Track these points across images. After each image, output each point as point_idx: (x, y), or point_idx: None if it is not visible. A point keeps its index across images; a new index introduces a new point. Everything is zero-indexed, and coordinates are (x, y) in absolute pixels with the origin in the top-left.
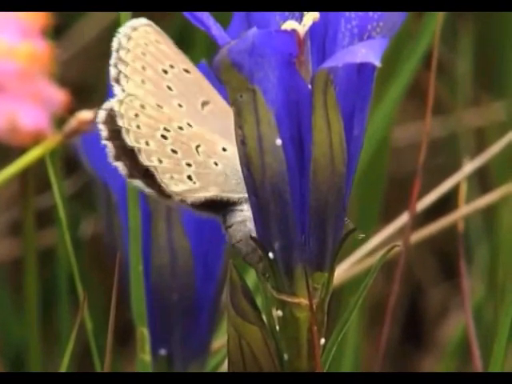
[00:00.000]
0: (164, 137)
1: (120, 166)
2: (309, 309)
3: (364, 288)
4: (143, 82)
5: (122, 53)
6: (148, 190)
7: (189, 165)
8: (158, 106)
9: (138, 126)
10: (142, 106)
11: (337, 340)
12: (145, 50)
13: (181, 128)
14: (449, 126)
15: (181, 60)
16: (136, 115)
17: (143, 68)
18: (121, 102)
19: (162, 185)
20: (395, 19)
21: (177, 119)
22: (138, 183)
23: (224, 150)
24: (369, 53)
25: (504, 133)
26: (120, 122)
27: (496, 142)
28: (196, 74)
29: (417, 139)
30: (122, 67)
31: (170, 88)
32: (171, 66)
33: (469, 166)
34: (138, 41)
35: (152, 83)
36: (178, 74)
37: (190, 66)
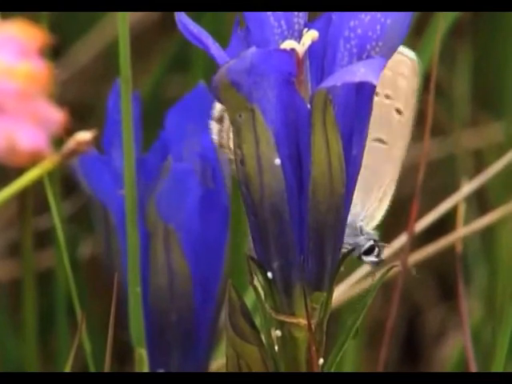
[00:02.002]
0: None
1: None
2: (307, 329)
3: (362, 308)
4: None
5: None
6: None
7: None
8: None
9: None
10: None
11: (335, 360)
12: None
13: None
14: (447, 147)
15: None
16: None
17: None
18: None
19: None
20: (394, 39)
21: None
22: None
23: None
24: (368, 72)
25: (502, 154)
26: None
27: (494, 162)
28: None
29: (415, 160)
30: None
31: None
32: None
33: (467, 187)
34: None
35: None
36: None
37: None
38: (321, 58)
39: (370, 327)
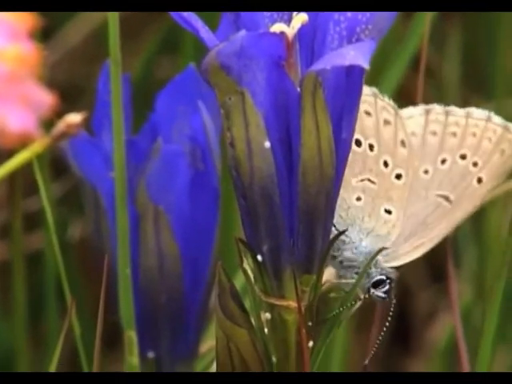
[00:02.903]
0: None
1: None
2: (297, 311)
3: (352, 290)
4: None
5: None
6: None
7: None
8: None
9: None
10: None
11: (325, 342)
12: None
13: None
14: None
15: None
16: None
17: None
18: None
19: None
20: (384, 22)
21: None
22: None
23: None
24: (358, 55)
25: None
26: None
27: None
28: None
29: None
30: None
31: None
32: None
33: None
34: None
35: None
36: None
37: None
38: (310, 41)
39: (360, 309)
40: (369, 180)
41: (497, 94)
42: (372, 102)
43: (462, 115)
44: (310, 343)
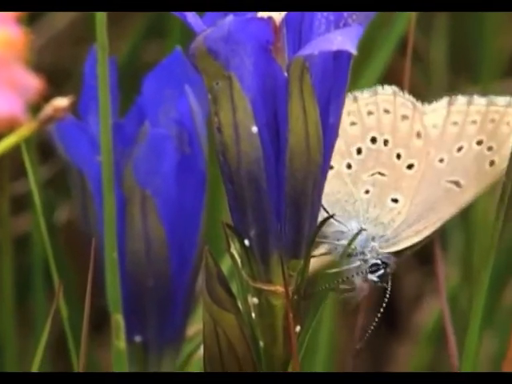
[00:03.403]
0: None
1: None
2: (285, 296)
3: (338, 274)
4: None
5: None
6: None
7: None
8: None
9: None
10: None
11: (311, 326)
12: None
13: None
14: None
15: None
16: None
17: None
18: None
19: None
20: None
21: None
22: None
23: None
24: (345, 40)
25: None
26: None
27: None
28: None
29: None
30: None
31: None
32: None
33: None
34: None
35: None
36: None
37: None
38: (298, 26)
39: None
40: (379, 173)
41: (484, 77)
42: (392, 100)
43: (484, 103)
44: (298, 328)
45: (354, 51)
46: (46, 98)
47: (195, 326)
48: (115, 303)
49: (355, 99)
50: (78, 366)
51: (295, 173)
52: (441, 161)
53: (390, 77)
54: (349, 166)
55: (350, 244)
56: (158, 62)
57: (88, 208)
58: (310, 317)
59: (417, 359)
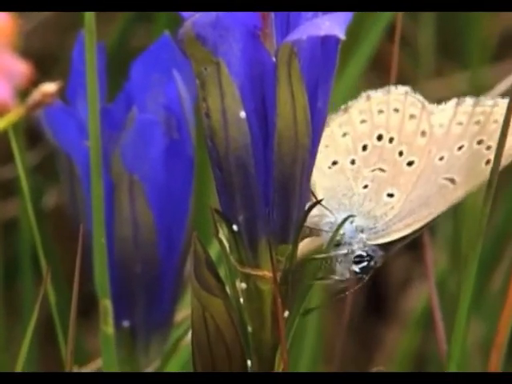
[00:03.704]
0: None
1: None
2: (273, 281)
3: (326, 259)
4: None
5: None
6: None
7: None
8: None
9: None
10: None
11: (299, 311)
12: None
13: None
14: None
15: None
16: None
17: None
18: None
19: None
20: None
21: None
22: None
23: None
24: (333, 26)
25: None
26: None
27: None
28: None
29: None
30: None
31: None
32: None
33: None
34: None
35: None
36: None
37: None
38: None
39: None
40: (380, 169)
41: (472, 62)
42: (402, 99)
43: (490, 104)
44: (286, 313)
45: (342, 36)
46: (34, 83)
47: (183, 312)
48: (103, 288)
49: (368, 98)
50: (66, 351)
51: (283, 157)
52: (441, 159)
53: (379, 61)
54: (352, 162)
55: (337, 230)
56: (146, 48)
57: (76, 193)
58: (298, 302)
59: (405, 344)
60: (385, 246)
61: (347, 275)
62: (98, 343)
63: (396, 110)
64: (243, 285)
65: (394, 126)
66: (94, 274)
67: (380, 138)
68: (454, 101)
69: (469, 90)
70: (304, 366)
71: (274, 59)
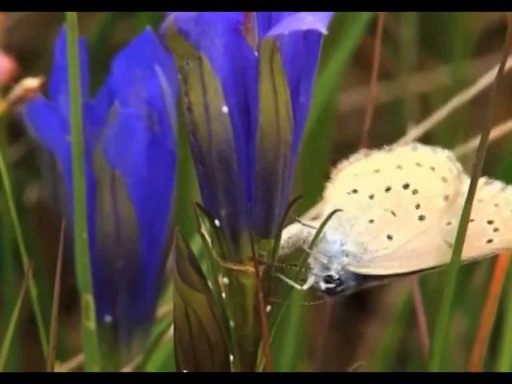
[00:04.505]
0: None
1: None
2: (255, 276)
3: (307, 253)
4: None
5: None
6: None
7: None
8: None
9: None
10: None
11: (281, 306)
12: None
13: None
14: (394, 91)
15: None
16: None
17: None
18: None
19: None
20: None
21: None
22: None
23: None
24: (315, 20)
25: (448, 98)
26: None
27: (441, 107)
28: None
29: (361, 105)
30: None
31: None
32: None
33: (414, 131)
34: None
35: None
36: None
37: None
38: None
39: None
40: (392, 212)
41: (454, 56)
42: (443, 163)
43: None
44: (268, 308)
45: (324, 31)
46: (16, 78)
47: (165, 307)
48: (85, 283)
49: (414, 149)
50: (48, 346)
51: (266, 152)
52: (448, 224)
53: (361, 56)
54: (371, 197)
55: (322, 227)
56: (127, 42)
57: (58, 188)
58: (280, 297)
59: (387, 339)
60: (360, 278)
61: (313, 287)
62: (80, 338)
63: (432, 169)
64: (225, 280)
65: (424, 182)
66: (75, 269)
67: (406, 186)
68: (484, 178)
69: (451, 84)
70: (286, 360)
71: (256, 54)
